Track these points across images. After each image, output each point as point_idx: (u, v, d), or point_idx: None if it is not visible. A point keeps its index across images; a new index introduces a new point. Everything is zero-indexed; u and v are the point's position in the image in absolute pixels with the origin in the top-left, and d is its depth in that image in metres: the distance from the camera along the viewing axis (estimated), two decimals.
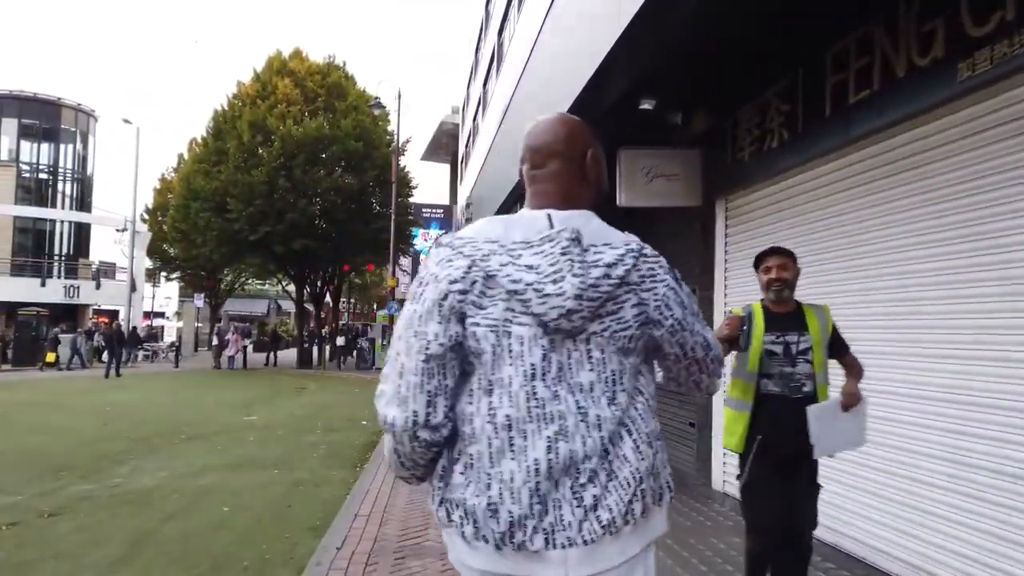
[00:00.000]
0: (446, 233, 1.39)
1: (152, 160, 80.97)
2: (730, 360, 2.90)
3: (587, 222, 1.29)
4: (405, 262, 35.38)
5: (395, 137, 24.59)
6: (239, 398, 14.47)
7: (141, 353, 28.54)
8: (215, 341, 25.66)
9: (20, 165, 33.94)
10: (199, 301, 33.13)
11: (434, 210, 37.81)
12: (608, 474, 1.21)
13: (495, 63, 20.97)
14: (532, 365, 1.21)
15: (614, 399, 1.24)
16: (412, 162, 44.94)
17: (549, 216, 1.28)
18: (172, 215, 27.67)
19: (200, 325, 36.39)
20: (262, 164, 22.72)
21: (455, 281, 1.22)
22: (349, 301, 47.17)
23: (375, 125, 25.18)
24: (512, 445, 1.20)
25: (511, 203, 10.03)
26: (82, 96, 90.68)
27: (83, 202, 36.62)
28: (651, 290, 1.27)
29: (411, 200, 27.47)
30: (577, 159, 1.35)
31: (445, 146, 39.01)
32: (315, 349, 27.17)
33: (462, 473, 1.24)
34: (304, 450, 8.20)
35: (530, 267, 1.20)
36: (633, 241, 1.29)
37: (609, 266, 1.22)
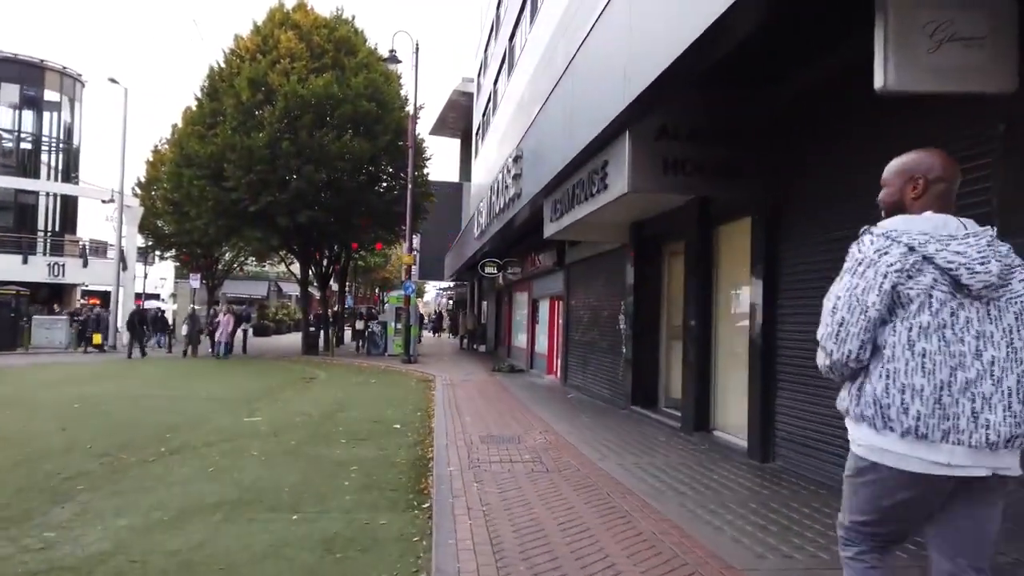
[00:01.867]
0: (867, 226, 1.99)
1: (145, 134, 78.09)
2: None
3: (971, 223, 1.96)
4: (414, 242, 32.56)
5: (413, 96, 21.75)
6: (238, 391, 12.10)
7: (169, 338, 25.84)
8: (186, 325, 22.75)
9: None
10: (195, 282, 30.54)
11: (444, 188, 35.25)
12: (999, 402, 1.78)
13: (526, 12, 18.66)
14: (943, 318, 1.82)
15: (1012, 347, 1.82)
16: (421, 134, 41.95)
17: (960, 220, 1.95)
18: (164, 184, 25.02)
19: (197, 307, 33.92)
20: (263, 126, 20.14)
21: (892, 263, 1.86)
22: (353, 284, 44.69)
23: (387, 85, 22.51)
24: (923, 367, 1.81)
25: (594, 149, 7.55)
26: (69, 60, 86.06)
27: (69, 174, 34.00)
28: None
29: (426, 172, 24.68)
30: (957, 185, 2.04)
31: (454, 121, 36.51)
32: (322, 333, 24.62)
33: (879, 380, 1.86)
34: (329, 474, 5.82)
35: (959, 253, 1.83)
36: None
37: (1006, 255, 1.88)
